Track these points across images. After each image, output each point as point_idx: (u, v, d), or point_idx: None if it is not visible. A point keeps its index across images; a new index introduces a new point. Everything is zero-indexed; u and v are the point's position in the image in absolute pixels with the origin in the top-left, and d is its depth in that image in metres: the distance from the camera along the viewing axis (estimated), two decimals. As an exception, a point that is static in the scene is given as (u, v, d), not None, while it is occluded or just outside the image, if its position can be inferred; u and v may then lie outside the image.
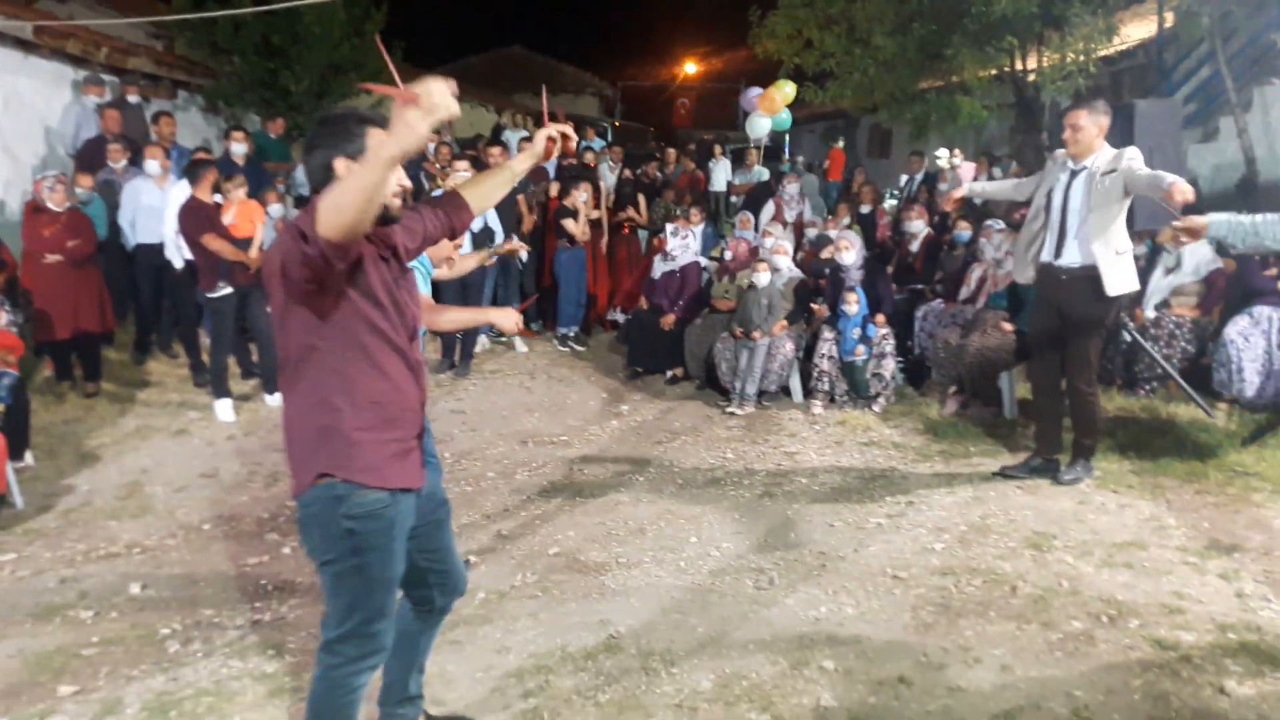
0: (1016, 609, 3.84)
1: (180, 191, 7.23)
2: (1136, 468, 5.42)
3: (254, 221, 7.05)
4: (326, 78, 11.54)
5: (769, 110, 10.95)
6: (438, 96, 2.04)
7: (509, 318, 3.47)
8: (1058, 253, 5.05)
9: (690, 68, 32.95)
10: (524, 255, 7.60)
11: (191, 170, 6.92)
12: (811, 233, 9.19)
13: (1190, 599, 3.85)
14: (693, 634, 3.73)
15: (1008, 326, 6.49)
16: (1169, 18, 9.64)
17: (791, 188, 9.78)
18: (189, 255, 7.13)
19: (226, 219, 6.88)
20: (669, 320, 7.99)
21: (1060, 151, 5.12)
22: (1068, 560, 4.28)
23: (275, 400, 7.21)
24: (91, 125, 8.70)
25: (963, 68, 9.17)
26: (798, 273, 7.79)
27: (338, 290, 2.30)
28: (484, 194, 2.86)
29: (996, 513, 4.87)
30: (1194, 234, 3.64)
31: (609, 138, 18.29)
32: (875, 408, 6.94)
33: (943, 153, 11.19)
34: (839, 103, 10.62)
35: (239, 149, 8.85)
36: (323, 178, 2.36)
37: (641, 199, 10.18)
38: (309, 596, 4.24)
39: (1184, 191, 4.12)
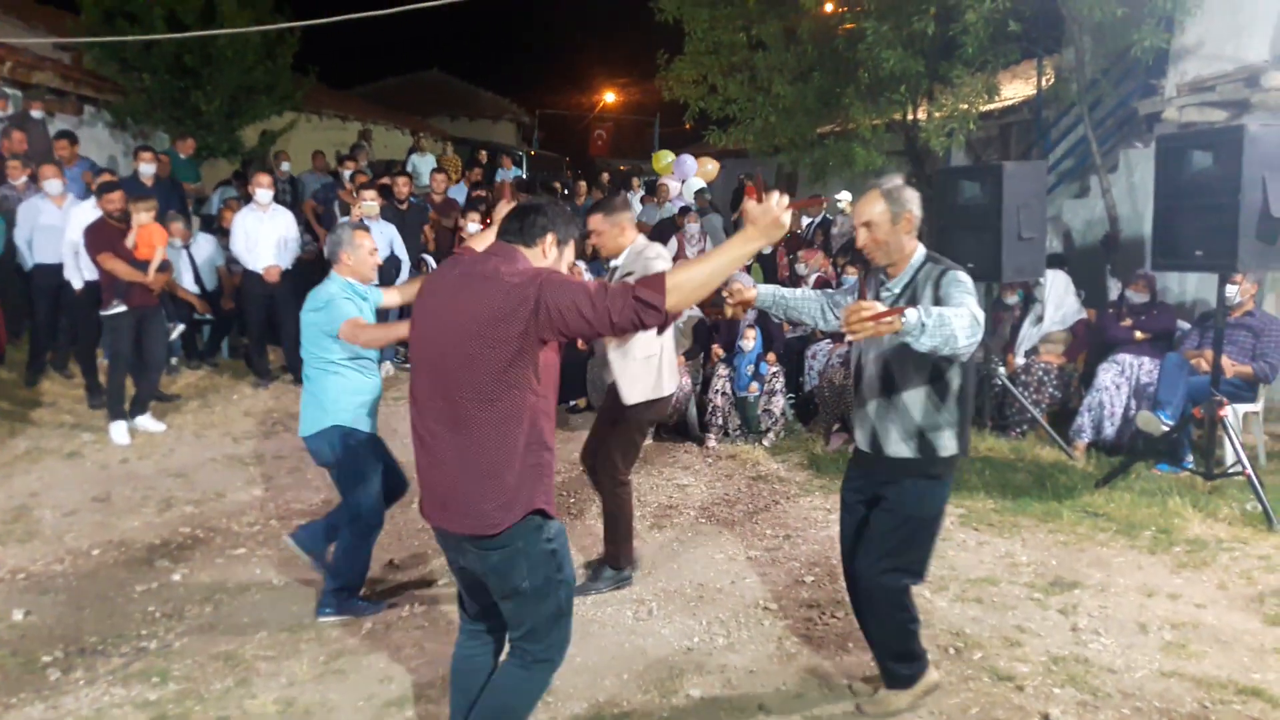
0: (873, 640, 4.13)
1: (83, 211, 7.23)
2: (999, 507, 5.80)
3: (154, 244, 7.08)
4: (238, 99, 11.52)
5: (703, 174, 11.87)
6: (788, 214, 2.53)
7: None
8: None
9: (608, 97, 33.44)
10: None
11: (98, 191, 6.99)
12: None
13: (1030, 632, 4.18)
14: (570, 663, 3.88)
15: (887, 370, 6.87)
16: (1047, 78, 10.32)
17: (692, 226, 10.13)
18: (89, 276, 7.14)
19: (128, 241, 6.92)
20: (581, 346, 8.26)
21: None
22: (925, 595, 4.58)
23: (138, 423, 7.19)
24: (-9, 139, 8.58)
25: (857, 117, 9.65)
26: (696, 311, 8.09)
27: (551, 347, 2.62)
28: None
29: (865, 548, 5.18)
30: (747, 303, 3.60)
31: (524, 166, 18.43)
32: (765, 443, 7.25)
33: (844, 195, 11.70)
34: (742, 145, 11.05)
35: (147, 169, 8.81)
36: (529, 237, 2.72)
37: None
38: (198, 624, 4.31)
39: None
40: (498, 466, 2.58)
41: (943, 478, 3.28)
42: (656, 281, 2.42)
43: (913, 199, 3.25)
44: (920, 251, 3.29)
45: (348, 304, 4.19)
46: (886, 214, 3.23)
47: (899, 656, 3.50)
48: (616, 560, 4.73)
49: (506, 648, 2.89)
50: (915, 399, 3.22)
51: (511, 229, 2.73)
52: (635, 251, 4.62)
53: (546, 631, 2.76)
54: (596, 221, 4.58)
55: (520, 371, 2.54)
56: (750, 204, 2.51)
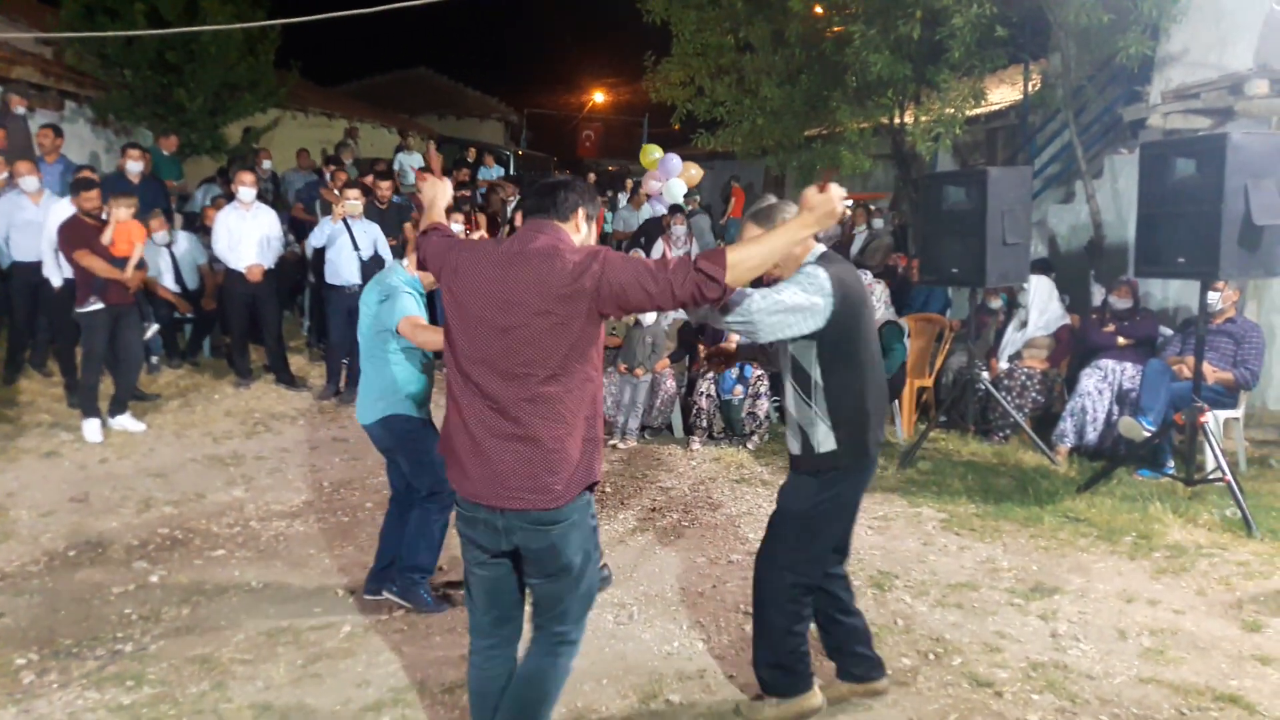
0: (853, 646, 4.12)
1: (62, 208, 7.17)
2: (981, 511, 5.81)
3: (132, 241, 7.03)
4: (221, 95, 11.44)
5: (686, 179, 11.93)
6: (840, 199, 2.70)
7: None
8: None
9: (597, 98, 33.40)
10: None
11: (73, 188, 6.92)
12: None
13: (1010, 638, 4.19)
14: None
15: (871, 374, 6.88)
16: (1033, 84, 10.35)
17: (678, 229, 10.12)
18: (69, 273, 7.08)
19: (105, 237, 6.86)
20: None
21: None
22: (906, 600, 4.60)
23: (117, 422, 7.16)
24: (-31, 135, 8.48)
25: (844, 120, 9.66)
26: (681, 313, 8.08)
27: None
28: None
29: (847, 552, 5.18)
30: (725, 353, 3.80)
31: (511, 166, 18.37)
32: (749, 445, 7.25)
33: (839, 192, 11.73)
34: (730, 148, 11.04)
35: (135, 167, 8.74)
36: (564, 212, 2.75)
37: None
38: (174, 627, 4.27)
39: None
40: (564, 441, 2.62)
41: (821, 474, 3.25)
42: (718, 255, 2.54)
43: (780, 210, 3.24)
44: (813, 253, 3.25)
45: (409, 298, 4.27)
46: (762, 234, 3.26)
47: (774, 663, 3.44)
48: None
49: (526, 641, 2.92)
50: (791, 396, 3.28)
51: (545, 205, 2.75)
52: None
53: (578, 610, 2.84)
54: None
55: (584, 346, 2.61)
56: (811, 191, 2.68)
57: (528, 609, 2.93)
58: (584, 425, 2.66)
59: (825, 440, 3.19)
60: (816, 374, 3.18)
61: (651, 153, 12.39)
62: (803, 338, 3.12)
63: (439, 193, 3.23)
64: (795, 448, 3.31)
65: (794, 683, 3.44)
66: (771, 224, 3.18)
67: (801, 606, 3.37)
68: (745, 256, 2.56)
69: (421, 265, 2.99)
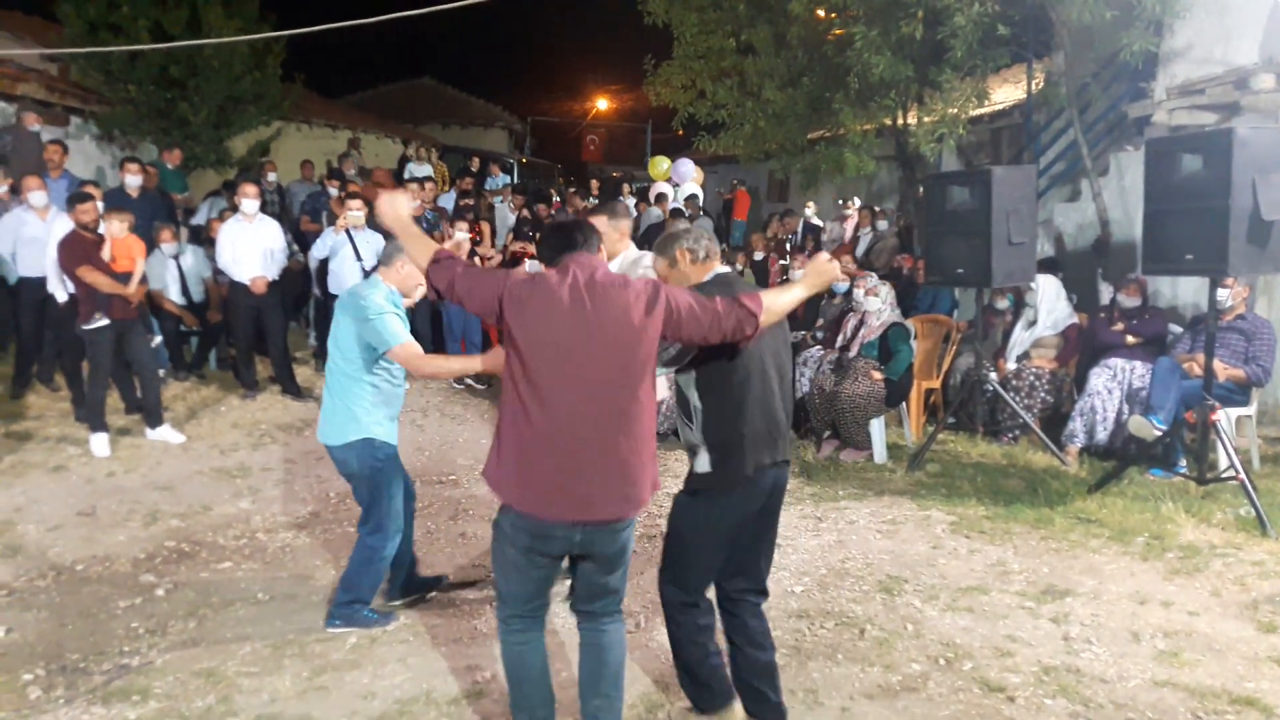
0: (862, 651, 4.09)
1: (64, 223, 7.18)
2: (990, 514, 5.76)
3: (133, 257, 7.04)
4: (226, 109, 11.47)
5: (697, 179, 12.08)
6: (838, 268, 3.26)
7: (499, 357, 3.33)
8: None
9: (600, 104, 33.45)
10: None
11: (69, 202, 6.92)
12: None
13: (1021, 642, 4.14)
14: (555, 679, 3.84)
15: (877, 375, 6.85)
16: (1037, 82, 10.30)
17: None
18: (73, 289, 7.09)
19: (104, 253, 6.86)
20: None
21: None
22: (915, 604, 4.55)
23: (158, 435, 7.15)
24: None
25: (847, 122, 9.62)
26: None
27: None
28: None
29: (856, 556, 5.14)
30: None
31: (515, 174, 18.41)
32: (756, 450, 7.20)
33: (811, 209, 11.82)
34: (732, 151, 11.03)
35: (133, 181, 8.76)
36: (594, 248, 3.05)
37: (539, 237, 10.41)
38: (181, 640, 4.26)
39: None
40: (642, 451, 2.92)
41: (699, 495, 3.25)
42: (756, 298, 2.98)
43: (677, 238, 3.35)
44: (710, 274, 3.32)
45: (396, 320, 4.16)
46: (664, 264, 3.39)
47: (687, 671, 3.44)
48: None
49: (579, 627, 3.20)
50: (678, 420, 3.35)
51: (579, 242, 3.01)
52: (631, 260, 4.61)
53: (625, 583, 3.14)
54: (601, 224, 4.40)
55: (652, 364, 2.93)
56: (822, 259, 3.25)
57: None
58: (651, 436, 2.96)
59: (702, 462, 3.22)
60: (694, 399, 3.22)
61: (661, 163, 12.45)
62: (683, 368, 3.18)
63: (399, 206, 3.20)
64: (688, 467, 3.34)
65: (708, 697, 3.43)
66: (669, 254, 3.34)
67: (697, 617, 3.36)
68: (775, 302, 3.04)
69: (439, 294, 2.98)
